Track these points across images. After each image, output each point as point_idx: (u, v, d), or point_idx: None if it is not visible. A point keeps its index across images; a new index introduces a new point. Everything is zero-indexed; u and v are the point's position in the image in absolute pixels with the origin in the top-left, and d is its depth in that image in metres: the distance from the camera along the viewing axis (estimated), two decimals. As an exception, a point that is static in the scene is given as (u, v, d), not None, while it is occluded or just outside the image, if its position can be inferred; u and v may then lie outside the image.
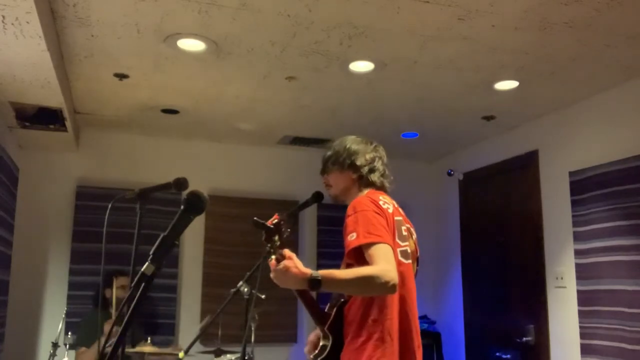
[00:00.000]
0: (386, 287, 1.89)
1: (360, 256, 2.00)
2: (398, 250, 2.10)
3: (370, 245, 1.97)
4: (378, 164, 2.33)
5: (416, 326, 2.15)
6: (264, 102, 4.00)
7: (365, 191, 2.26)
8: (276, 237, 1.94)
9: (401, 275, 2.05)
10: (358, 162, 2.29)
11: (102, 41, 2.98)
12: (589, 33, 2.84)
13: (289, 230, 2.05)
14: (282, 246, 1.98)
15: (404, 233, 2.20)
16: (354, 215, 2.07)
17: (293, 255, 1.95)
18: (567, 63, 3.23)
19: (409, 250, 2.19)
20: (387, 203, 2.18)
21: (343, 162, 2.31)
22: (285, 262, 1.91)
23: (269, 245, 1.94)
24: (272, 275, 1.95)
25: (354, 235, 2.01)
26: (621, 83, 3.52)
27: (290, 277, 1.90)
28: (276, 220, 2.00)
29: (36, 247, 4.52)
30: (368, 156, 2.31)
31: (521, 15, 2.67)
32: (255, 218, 1.95)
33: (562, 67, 3.29)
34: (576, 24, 2.74)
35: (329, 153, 2.38)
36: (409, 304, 2.13)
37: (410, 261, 2.19)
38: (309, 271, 1.89)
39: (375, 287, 1.91)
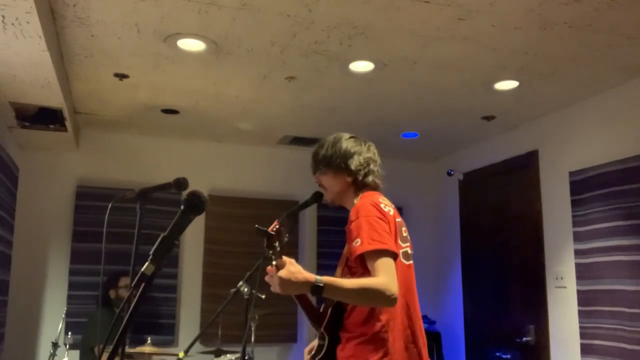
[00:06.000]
0: (387, 300, 1.90)
1: (364, 262, 1.99)
2: (400, 251, 2.10)
3: (373, 253, 1.95)
4: (373, 166, 2.25)
5: (419, 324, 2.15)
6: (264, 102, 4.00)
7: (361, 194, 2.22)
8: (277, 244, 1.93)
9: (403, 276, 2.06)
10: (353, 166, 2.21)
11: (102, 41, 2.98)
12: (589, 33, 2.84)
13: (287, 235, 2.02)
14: (281, 252, 1.94)
15: (404, 234, 2.20)
16: (357, 220, 2.04)
17: (293, 261, 1.92)
18: (567, 63, 3.23)
19: (409, 251, 2.20)
20: (388, 205, 2.17)
21: (338, 164, 2.22)
22: (290, 269, 1.87)
23: (270, 251, 1.92)
24: (273, 280, 1.89)
25: (358, 241, 1.99)
26: (621, 83, 3.52)
27: (294, 283, 1.87)
28: (277, 227, 1.98)
29: (36, 247, 4.52)
30: (362, 158, 2.23)
31: (521, 15, 2.67)
32: (256, 225, 1.92)
33: (562, 67, 3.29)
34: (576, 24, 2.74)
35: (321, 152, 2.26)
36: (411, 304, 2.13)
37: (411, 262, 2.20)
38: (312, 277, 1.88)
39: (376, 299, 1.92)
